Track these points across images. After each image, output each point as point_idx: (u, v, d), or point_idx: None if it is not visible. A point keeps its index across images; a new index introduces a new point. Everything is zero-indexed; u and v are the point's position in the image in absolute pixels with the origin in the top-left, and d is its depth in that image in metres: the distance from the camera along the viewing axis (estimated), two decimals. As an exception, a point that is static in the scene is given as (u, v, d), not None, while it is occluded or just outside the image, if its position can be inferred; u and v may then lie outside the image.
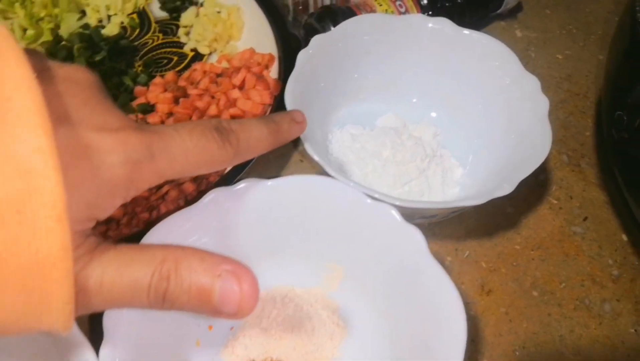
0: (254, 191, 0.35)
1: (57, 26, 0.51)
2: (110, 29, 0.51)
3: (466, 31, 0.43)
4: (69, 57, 0.48)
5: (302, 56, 0.41)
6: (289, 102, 0.39)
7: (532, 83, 0.40)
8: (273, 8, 0.50)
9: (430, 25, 0.44)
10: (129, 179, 0.23)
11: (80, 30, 0.51)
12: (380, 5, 0.48)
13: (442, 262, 0.39)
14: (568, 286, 0.40)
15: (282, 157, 0.47)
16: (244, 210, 0.35)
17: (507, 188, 0.34)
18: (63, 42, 0.49)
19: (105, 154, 0.23)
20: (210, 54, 0.52)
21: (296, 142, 0.47)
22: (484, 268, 0.41)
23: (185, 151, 0.25)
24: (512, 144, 0.41)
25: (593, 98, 0.52)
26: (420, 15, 0.44)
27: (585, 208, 0.44)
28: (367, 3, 0.48)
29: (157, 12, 0.55)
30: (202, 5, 0.55)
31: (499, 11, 0.56)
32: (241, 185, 0.34)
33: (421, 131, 0.45)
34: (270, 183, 0.35)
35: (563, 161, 0.47)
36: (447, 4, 0.51)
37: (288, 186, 0.35)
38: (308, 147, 0.36)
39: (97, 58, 0.48)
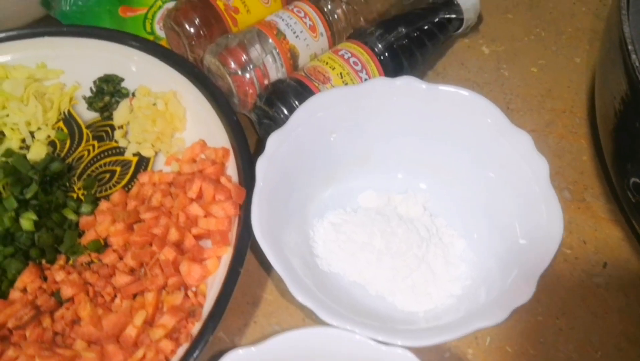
0: None
1: (-26, 163, 0.44)
2: (37, 152, 0.45)
3: (437, 87, 0.38)
4: (-4, 200, 0.42)
5: (261, 164, 0.35)
6: (257, 219, 0.34)
7: (523, 141, 0.36)
8: (215, 91, 0.44)
9: (396, 86, 0.39)
10: None
11: (3, 160, 0.44)
12: (334, 68, 0.42)
13: (463, 356, 0.35)
14: (604, 355, 0.36)
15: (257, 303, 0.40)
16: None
17: (527, 292, 0.30)
18: (-14, 185, 0.43)
19: None
20: (156, 154, 0.45)
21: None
22: (510, 352, 0.37)
23: None
24: (513, 207, 0.36)
25: (580, 113, 0.47)
26: (383, 78, 0.39)
27: (602, 251, 0.40)
28: (318, 70, 0.42)
29: (85, 114, 0.48)
30: (134, 95, 0.48)
31: (459, 31, 0.51)
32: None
33: (409, 206, 0.40)
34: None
35: (566, 198, 0.43)
36: (403, 42, 0.45)
37: (285, 346, 0.30)
38: (297, 295, 0.31)
39: (29, 195, 0.42)
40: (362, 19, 0.48)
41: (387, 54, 0.44)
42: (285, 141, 0.37)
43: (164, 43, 0.52)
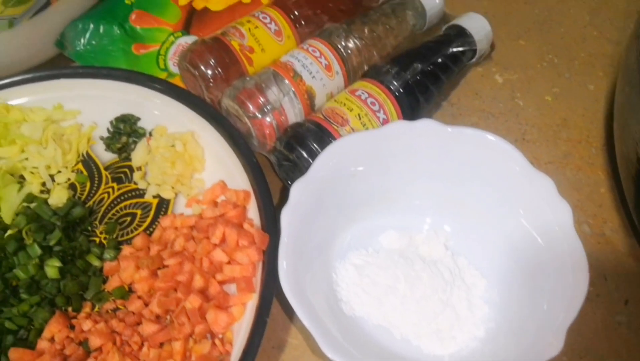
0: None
1: (-3, 208, 0.44)
2: (58, 196, 0.45)
3: (455, 129, 0.39)
4: (20, 248, 0.42)
5: (286, 214, 0.36)
6: (284, 274, 0.34)
7: (546, 185, 0.36)
8: (234, 133, 0.44)
9: (416, 129, 0.39)
10: None
11: (25, 205, 0.45)
12: (351, 110, 0.42)
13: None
14: (630, 395, 0.37)
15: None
16: None
17: (555, 345, 0.30)
18: (10, 231, 0.43)
19: None
20: (176, 195, 0.46)
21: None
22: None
23: None
24: (536, 251, 0.37)
25: (596, 143, 0.47)
26: (403, 122, 0.39)
27: (623, 288, 0.40)
28: (336, 112, 0.42)
29: (103, 155, 0.48)
30: (151, 135, 0.48)
31: (472, 61, 0.51)
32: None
33: (431, 246, 0.40)
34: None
35: (585, 232, 0.43)
36: (418, 78, 0.46)
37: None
38: (327, 351, 0.31)
39: (53, 242, 0.42)
40: (375, 53, 0.48)
41: (403, 92, 0.44)
42: (308, 188, 0.37)
43: (177, 80, 0.52)
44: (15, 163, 0.47)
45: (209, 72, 0.45)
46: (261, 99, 0.43)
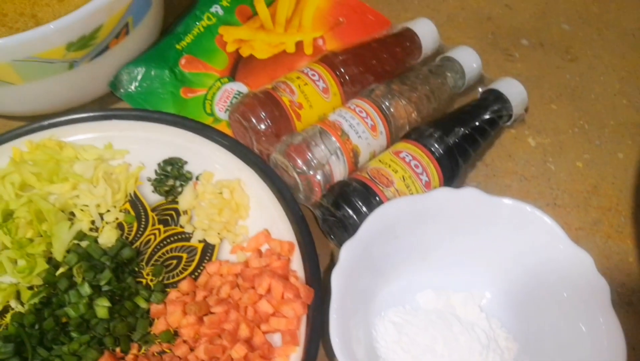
0: None
1: (49, 244, 0.46)
2: (107, 236, 0.47)
3: (497, 199, 0.41)
4: (71, 286, 0.44)
5: (337, 277, 0.37)
6: (337, 338, 0.36)
7: (584, 260, 0.38)
8: (281, 185, 0.46)
9: (460, 196, 0.41)
10: None
11: (75, 243, 0.46)
12: (396, 171, 0.44)
13: None
14: None
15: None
16: None
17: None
18: (61, 269, 0.45)
19: None
20: (221, 240, 0.48)
21: None
22: None
23: None
24: (570, 323, 0.38)
25: (625, 212, 0.49)
26: (448, 189, 0.41)
27: (651, 358, 0.42)
28: (381, 173, 0.44)
29: (149, 196, 0.50)
30: (197, 179, 0.50)
31: (507, 124, 0.53)
32: None
33: (467, 308, 0.42)
34: None
35: (613, 301, 0.44)
36: (458, 141, 0.48)
37: None
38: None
39: (103, 282, 0.44)
40: (416, 114, 0.50)
41: (444, 155, 0.46)
42: (356, 248, 0.39)
43: (223, 125, 0.54)
44: (66, 200, 0.49)
45: (261, 126, 0.47)
46: (310, 156, 0.45)
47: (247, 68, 0.58)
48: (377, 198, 0.43)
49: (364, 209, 0.42)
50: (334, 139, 0.46)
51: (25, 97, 0.51)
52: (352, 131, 0.46)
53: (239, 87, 0.56)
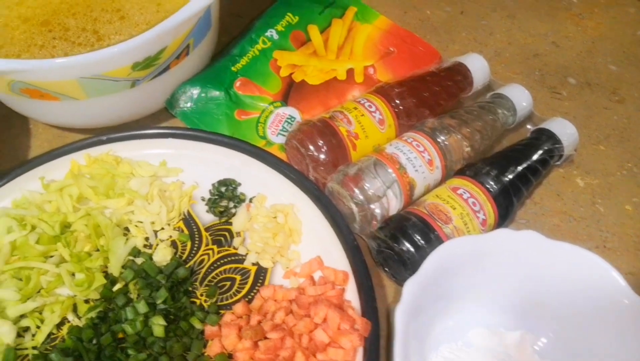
0: None
1: (106, 259, 0.47)
2: (162, 254, 0.48)
3: (557, 243, 0.41)
4: (128, 302, 0.44)
5: (400, 314, 0.38)
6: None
7: (644, 311, 0.38)
8: (336, 214, 0.47)
9: (519, 238, 0.41)
10: None
11: (131, 259, 0.47)
12: (454, 208, 0.45)
13: None
14: None
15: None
16: None
17: None
18: (118, 285, 0.46)
19: None
20: (274, 264, 0.48)
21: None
22: None
23: None
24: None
25: (675, 259, 0.50)
26: (507, 231, 0.42)
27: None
28: (439, 209, 0.45)
29: (203, 216, 0.51)
30: (251, 201, 0.51)
31: (557, 163, 0.54)
32: None
33: (519, 349, 0.42)
34: None
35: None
36: (513, 180, 0.48)
37: None
38: None
39: (159, 301, 0.44)
40: (470, 149, 0.51)
41: (500, 193, 0.47)
42: (417, 286, 0.39)
43: (275, 148, 0.55)
44: (122, 215, 0.50)
45: (318, 154, 0.48)
46: (367, 187, 0.46)
47: (299, 93, 0.59)
48: (436, 234, 0.44)
49: (423, 244, 0.43)
50: (391, 171, 0.46)
51: (85, 111, 0.53)
52: (410, 164, 0.47)
53: (291, 111, 0.57)
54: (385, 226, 0.45)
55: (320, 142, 0.48)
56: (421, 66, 0.61)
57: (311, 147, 0.49)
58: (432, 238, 0.43)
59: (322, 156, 0.48)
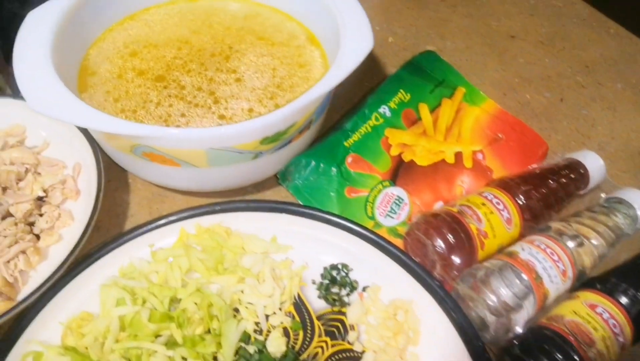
0: None
1: (218, 344, 0.44)
2: (277, 344, 0.45)
3: None
4: (243, 397, 0.42)
5: None
6: None
7: None
8: (463, 317, 0.44)
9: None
10: None
11: (243, 346, 0.44)
12: (596, 330, 0.43)
13: None
14: None
15: None
16: None
17: None
18: (233, 376, 0.43)
19: None
20: (389, 364, 0.46)
21: None
22: None
23: None
24: None
25: None
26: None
27: None
28: (581, 328, 0.42)
29: (314, 301, 0.48)
30: (364, 290, 0.49)
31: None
32: None
33: None
34: None
35: None
36: None
37: None
38: None
39: (275, 399, 0.42)
40: (597, 256, 0.49)
41: (633, 309, 0.45)
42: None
43: (384, 230, 0.53)
44: (232, 294, 0.47)
45: (448, 252, 0.46)
46: (504, 294, 0.44)
47: (408, 173, 0.57)
48: (576, 352, 0.41)
49: (564, 364, 0.41)
50: (527, 280, 0.44)
51: (201, 178, 0.51)
52: (546, 274, 0.45)
53: (399, 192, 0.56)
54: (522, 340, 0.43)
55: (450, 238, 0.47)
56: (529, 155, 0.60)
57: (439, 242, 0.47)
58: (570, 355, 0.41)
59: (451, 253, 0.46)
